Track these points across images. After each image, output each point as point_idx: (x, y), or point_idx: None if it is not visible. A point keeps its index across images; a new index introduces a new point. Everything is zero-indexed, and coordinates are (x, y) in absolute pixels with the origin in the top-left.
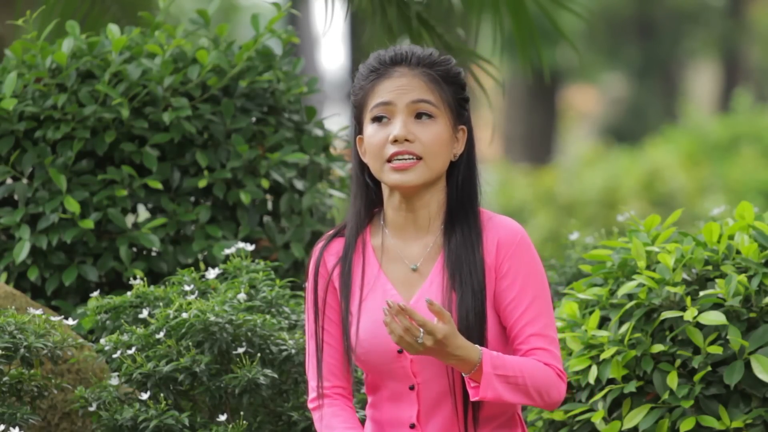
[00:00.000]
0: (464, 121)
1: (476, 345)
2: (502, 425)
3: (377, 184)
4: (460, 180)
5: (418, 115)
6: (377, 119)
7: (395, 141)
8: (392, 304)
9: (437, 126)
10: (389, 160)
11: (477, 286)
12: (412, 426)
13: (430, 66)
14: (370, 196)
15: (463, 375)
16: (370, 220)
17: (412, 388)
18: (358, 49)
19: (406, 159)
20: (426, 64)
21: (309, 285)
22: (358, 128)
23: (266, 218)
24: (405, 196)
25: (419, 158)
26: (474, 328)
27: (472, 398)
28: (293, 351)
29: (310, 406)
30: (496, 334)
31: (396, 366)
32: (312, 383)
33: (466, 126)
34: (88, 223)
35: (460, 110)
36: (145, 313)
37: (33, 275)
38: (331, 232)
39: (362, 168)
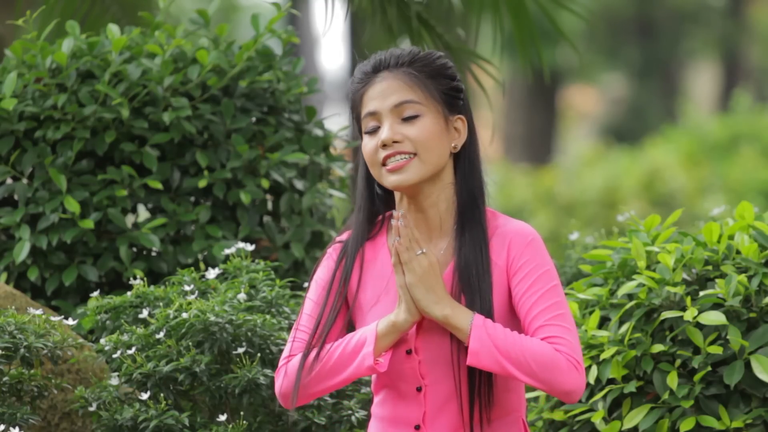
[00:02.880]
0: (460, 111)
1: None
2: (507, 428)
3: (387, 191)
4: (466, 172)
5: (405, 119)
6: (369, 131)
7: (384, 146)
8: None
9: (425, 121)
10: (384, 164)
11: (485, 288)
12: (417, 427)
13: (410, 64)
14: (373, 208)
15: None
16: (384, 224)
17: (419, 389)
18: (358, 49)
19: (398, 159)
20: (405, 64)
21: (325, 269)
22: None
23: (266, 218)
24: (410, 197)
25: (413, 155)
26: None
27: (469, 363)
28: None
29: (280, 363)
30: None
31: (405, 367)
32: (288, 351)
33: (465, 116)
34: (88, 223)
35: (451, 101)
36: (145, 313)
37: (33, 275)
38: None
39: (369, 181)
